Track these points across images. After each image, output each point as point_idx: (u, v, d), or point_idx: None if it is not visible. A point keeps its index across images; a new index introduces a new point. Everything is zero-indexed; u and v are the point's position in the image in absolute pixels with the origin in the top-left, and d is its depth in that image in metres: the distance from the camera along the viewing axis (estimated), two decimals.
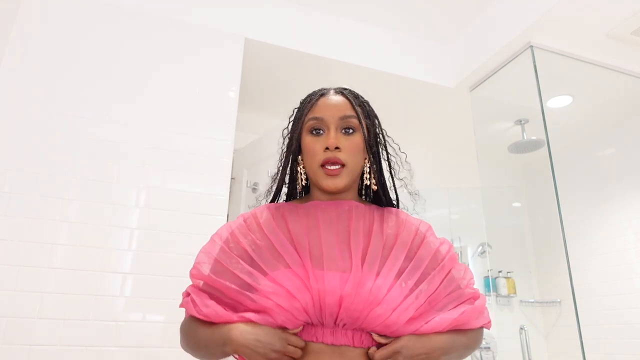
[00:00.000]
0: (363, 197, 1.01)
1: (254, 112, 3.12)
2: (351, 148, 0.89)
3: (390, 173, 0.99)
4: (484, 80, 2.72)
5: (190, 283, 0.88)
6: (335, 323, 0.78)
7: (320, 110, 0.91)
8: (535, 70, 2.37)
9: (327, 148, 0.87)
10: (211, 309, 0.81)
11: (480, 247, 3.21)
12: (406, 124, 3.28)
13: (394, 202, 1.00)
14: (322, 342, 0.78)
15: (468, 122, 2.89)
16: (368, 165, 0.94)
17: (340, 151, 0.88)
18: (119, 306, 1.77)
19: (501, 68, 2.60)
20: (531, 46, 2.39)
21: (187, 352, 0.87)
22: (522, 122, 2.99)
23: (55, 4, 2.07)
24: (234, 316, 0.80)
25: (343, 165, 0.88)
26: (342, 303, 0.77)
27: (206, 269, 0.85)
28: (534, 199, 3.60)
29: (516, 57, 2.49)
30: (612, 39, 2.39)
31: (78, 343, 1.67)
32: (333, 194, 0.92)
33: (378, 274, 0.82)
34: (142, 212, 1.91)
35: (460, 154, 3.53)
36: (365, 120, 0.93)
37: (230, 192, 2.16)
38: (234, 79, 2.28)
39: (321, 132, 0.90)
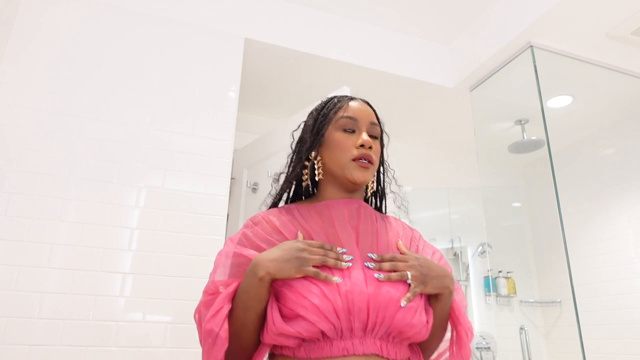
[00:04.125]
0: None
1: (254, 112, 3.12)
2: (377, 151, 0.97)
3: (383, 185, 1.08)
4: (484, 80, 2.72)
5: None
6: (365, 330, 0.79)
7: (354, 112, 0.98)
8: (535, 70, 2.37)
9: (362, 145, 0.94)
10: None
11: (480, 247, 3.21)
12: (406, 123, 3.28)
13: (384, 211, 1.08)
14: (354, 354, 0.78)
15: (468, 122, 2.89)
16: (375, 173, 1.03)
17: (372, 150, 0.95)
18: (119, 306, 1.77)
19: (501, 68, 2.60)
20: (531, 46, 2.39)
21: (232, 345, 0.80)
22: (522, 122, 2.99)
23: (55, 4, 2.07)
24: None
25: (371, 163, 0.95)
26: (369, 304, 0.78)
27: (221, 275, 0.86)
28: (534, 199, 3.60)
29: (516, 57, 2.49)
30: (612, 39, 2.39)
31: (78, 343, 1.67)
32: (354, 191, 0.98)
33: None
34: (142, 212, 1.91)
35: (460, 154, 3.53)
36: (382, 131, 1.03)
37: (230, 192, 2.16)
38: (234, 79, 2.28)
39: (354, 131, 0.96)
